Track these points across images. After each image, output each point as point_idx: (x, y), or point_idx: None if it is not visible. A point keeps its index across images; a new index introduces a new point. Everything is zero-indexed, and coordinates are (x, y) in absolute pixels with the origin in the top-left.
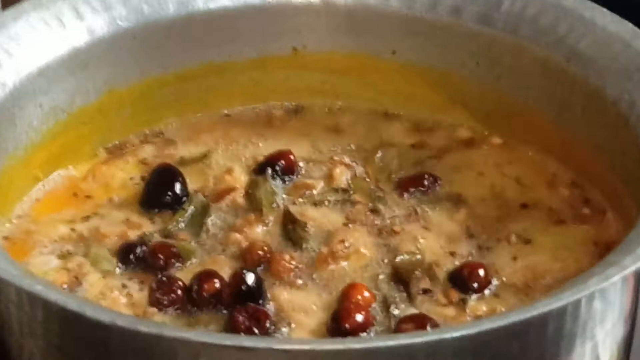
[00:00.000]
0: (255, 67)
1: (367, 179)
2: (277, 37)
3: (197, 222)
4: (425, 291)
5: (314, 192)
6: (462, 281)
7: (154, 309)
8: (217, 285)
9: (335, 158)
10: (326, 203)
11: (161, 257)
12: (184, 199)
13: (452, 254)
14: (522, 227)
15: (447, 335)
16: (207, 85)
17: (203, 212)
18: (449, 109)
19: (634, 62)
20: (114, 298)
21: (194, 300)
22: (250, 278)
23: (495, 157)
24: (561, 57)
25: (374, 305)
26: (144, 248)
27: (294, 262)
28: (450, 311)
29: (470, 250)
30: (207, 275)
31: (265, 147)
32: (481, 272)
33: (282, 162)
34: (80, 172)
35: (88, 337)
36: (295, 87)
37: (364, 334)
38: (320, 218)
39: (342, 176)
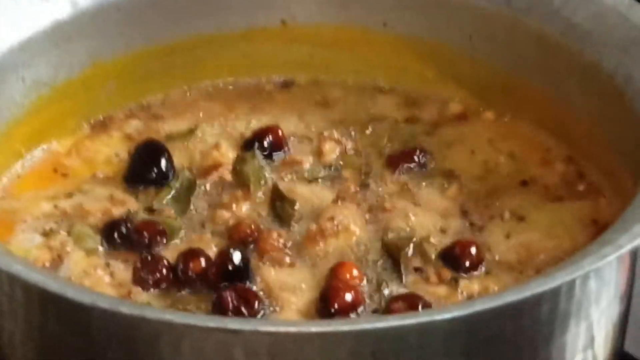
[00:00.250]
0: (243, 40)
1: (357, 155)
2: (266, 9)
3: (183, 199)
4: (417, 269)
5: (303, 168)
6: (454, 259)
7: (139, 289)
8: (203, 264)
9: (325, 133)
10: (315, 179)
11: (146, 234)
12: (170, 175)
13: (444, 231)
14: (516, 203)
15: (438, 317)
16: (194, 58)
17: (189, 188)
18: (441, 83)
19: (630, 35)
20: (97, 277)
21: (179, 279)
22: (236, 257)
23: (488, 132)
24: (556, 30)
25: (363, 284)
26: (129, 225)
27: (282, 240)
28: (442, 290)
29: (462, 228)
30: (192, 254)
31: (253, 122)
32: (473, 250)
33: (270, 137)
34: (63, 147)
35: (69, 318)
36: (284, 61)
37: (353, 314)
38: (309, 195)
39: (332, 152)
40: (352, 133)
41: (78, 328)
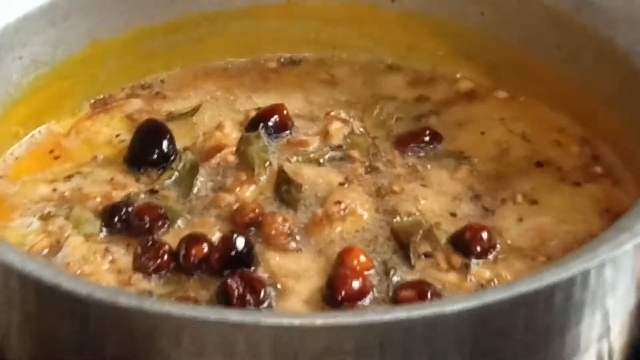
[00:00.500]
0: (247, 17)
1: (365, 136)
2: None
3: (186, 182)
4: (426, 255)
5: (309, 149)
6: (465, 245)
7: (139, 275)
8: (206, 249)
9: (332, 113)
10: (321, 161)
11: (147, 219)
12: (172, 157)
13: (454, 215)
14: (529, 186)
15: (448, 309)
16: (197, 36)
17: (192, 171)
18: (452, 61)
19: None
20: (97, 263)
21: (181, 265)
22: (240, 242)
23: (500, 111)
24: (570, 6)
25: (371, 270)
26: (129, 209)
27: (287, 225)
28: (452, 277)
29: (473, 211)
30: (194, 239)
31: (257, 102)
32: (484, 234)
33: (276, 117)
34: (62, 128)
35: (65, 309)
36: (290, 38)
37: (361, 302)
38: (315, 177)
39: (339, 132)
40: (360, 113)
41: (74, 319)
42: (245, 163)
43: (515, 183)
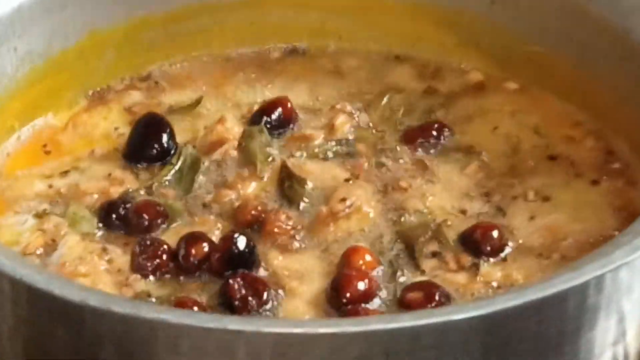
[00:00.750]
0: (250, 6)
1: (372, 129)
2: None
3: (186, 178)
4: (434, 255)
5: (313, 144)
6: (474, 244)
7: (137, 276)
8: (206, 249)
9: (337, 106)
10: (326, 156)
11: (146, 217)
12: (172, 151)
13: (464, 212)
14: (541, 182)
15: (456, 317)
16: (198, 26)
17: (193, 166)
18: (461, 51)
19: None
20: (93, 263)
21: (180, 265)
22: (241, 242)
23: (510, 104)
24: None
25: (377, 270)
26: (127, 207)
27: (290, 223)
28: (461, 278)
29: (483, 209)
30: (194, 239)
31: (260, 94)
32: (495, 233)
33: (279, 110)
34: (59, 121)
35: (59, 315)
36: (294, 28)
37: (367, 304)
38: (319, 173)
39: (344, 126)
40: (366, 106)
41: (68, 325)
42: (247, 158)
43: (527, 179)
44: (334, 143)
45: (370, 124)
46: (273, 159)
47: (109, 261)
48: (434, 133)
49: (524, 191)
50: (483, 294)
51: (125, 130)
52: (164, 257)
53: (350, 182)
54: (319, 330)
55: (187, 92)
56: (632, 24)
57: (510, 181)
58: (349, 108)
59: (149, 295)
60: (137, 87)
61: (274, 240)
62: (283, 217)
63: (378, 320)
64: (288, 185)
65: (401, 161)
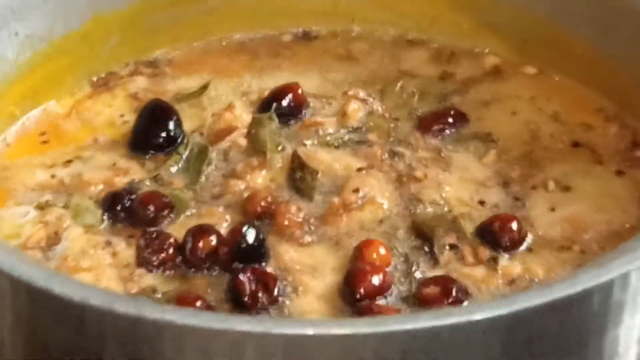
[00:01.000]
0: None
1: (385, 117)
2: None
3: (194, 168)
4: (451, 247)
5: (325, 132)
6: (493, 236)
7: (142, 270)
8: (214, 242)
9: (350, 92)
10: (338, 145)
11: (151, 208)
12: (179, 140)
13: (482, 203)
14: (561, 171)
15: (476, 317)
16: (206, 9)
17: (200, 155)
18: (477, 34)
19: None
20: (97, 257)
21: (187, 259)
22: (250, 235)
23: (529, 90)
24: None
25: (392, 264)
26: (132, 198)
27: (301, 215)
28: (479, 272)
29: (501, 199)
30: (202, 231)
31: (270, 80)
32: (514, 225)
33: (289, 97)
34: (62, 108)
35: (59, 313)
36: (304, 10)
37: (381, 300)
38: (331, 162)
39: (357, 113)
40: (380, 91)
41: (69, 325)
42: (256, 147)
43: (546, 168)
44: (346, 131)
45: (384, 111)
46: (283, 148)
47: (113, 255)
48: (450, 120)
49: (544, 181)
50: (502, 289)
51: (130, 117)
52: (171, 250)
53: (364, 171)
54: (331, 332)
55: (194, 78)
56: None
57: (529, 170)
58: (361, 94)
59: (155, 291)
60: (143, 72)
61: (285, 233)
62: (294, 208)
63: (394, 320)
64: (299, 175)
65: (416, 150)
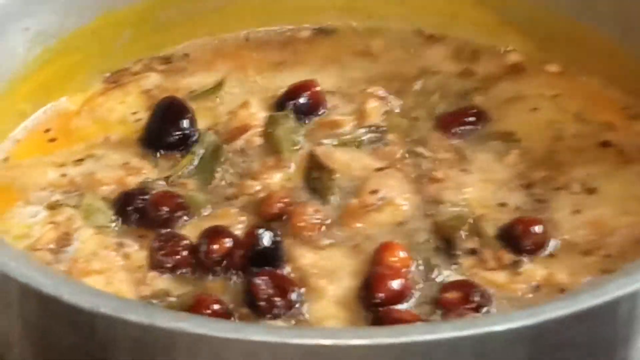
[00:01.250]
0: None
1: (404, 115)
2: None
3: (208, 167)
4: (472, 251)
5: (343, 131)
6: (515, 240)
7: (155, 273)
8: (228, 245)
9: (368, 90)
10: (357, 144)
11: (165, 209)
12: (193, 138)
13: (503, 205)
14: (586, 172)
15: (499, 328)
16: (221, 4)
17: (215, 154)
18: (499, 31)
19: None
20: (108, 259)
21: (201, 262)
22: (266, 238)
23: (551, 88)
24: None
25: (412, 268)
26: (145, 198)
27: (318, 217)
28: (501, 277)
29: (524, 202)
30: (216, 233)
31: (287, 77)
32: (537, 228)
33: (306, 94)
34: (73, 106)
35: (69, 320)
36: (322, 6)
37: (401, 305)
38: (349, 162)
39: (376, 111)
40: (399, 89)
41: (79, 332)
42: (272, 146)
43: (570, 169)
44: (364, 130)
45: (403, 110)
46: (300, 147)
47: (125, 257)
48: (471, 119)
49: (568, 182)
50: (524, 295)
51: (143, 115)
52: (184, 253)
53: (382, 172)
54: (350, 342)
55: (208, 75)
56: None
57: (553, 171)
58: (380, 92)
59: (168, 294)
60: (156, 69)
61: (301, 235)
62: (310, 210)
63: (415, 330)
64: (316, 175)
65: (436, 150)
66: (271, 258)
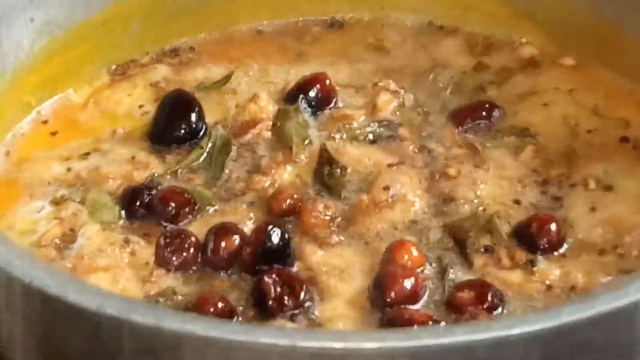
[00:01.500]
0: None
1: (417, 109)
2: None
3: (217, 162)
4: (486, 250)
5: (354, 125)
6: (530, 238)
7: (162, 271)
8: (237, 242)
9: (380, 83)
10: (368, 139)
11: (172, 205)
12: (201, 132)
13: (518, 202)
14: (602, 169)
15: (515, 331)
16: None
17: (224, 149)
18: (514, 23)
19: None
20: (114, 256)
21: (209, 260)
22: (275, 235)
23: (567, 82)
24: None
25: (424, 267)
26: (152, 193)
27: (329, 213)
28: (516, 276)
29: (539, 199)
30: (224, 230)
31: (297, 70)
32: (553, 226)
33: (317, 88)
34: (79, 98)
35: (75, 321)
36: None
37: (413, 306)
38: (360, 157)
39: (388, 105)
40: (411, 83)
41: (85, 333)
42: (282, 140)
43: (586, 165)
44: (376, 124)
45: (416, 103)
46: (310, 142)
47: (132, 253)
48: (484, 113)
49: (584, 179)
50: (540, 295)
51: (151, 108)
52: (192, 250)
53: (394, 168)
54: (361, 345)
55: (217, 67)
56: None
57: (569, 168)
58: (392, 86)
59: (175, 293)
60: (164, 61)
61: (312, 232)
62: (321, 206)
63: (428, 333)
64: (327, 171)
65: (449, 145)
66: (280, 256)
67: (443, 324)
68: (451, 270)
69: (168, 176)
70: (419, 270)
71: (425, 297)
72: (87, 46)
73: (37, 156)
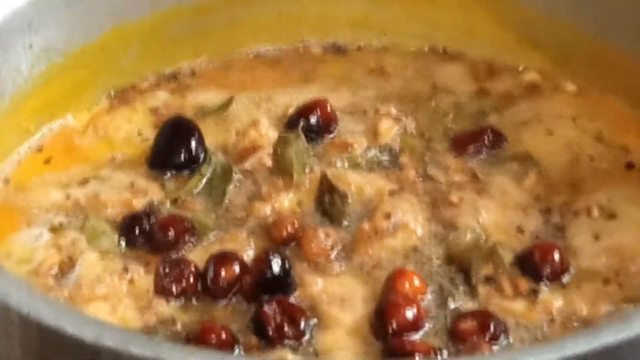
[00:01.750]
0: None
1: (419, 136)
2: None
3: (217, 189)
4: (489, 278)
5: (355, 152)
6: (533, 267)
7: (161, 300)
8: (237, 271)
9: (381, 109)
10: (369, 166)
11: (171, 232)
12: (201, 159)
13: (520, 230)
14: (606, 196)
15: None
16: (230, 20)
17: (224, 176)
18: (516, 48)
19: None
20: (113, 285)
21: (209, 288)
22: (276, 264)
23: (570, 108)
24: None
25: (426, 296)
26: (152, 221)
27: (329, 242)
28: (519, 305)
29: (542, 227)
30: (224, 259)
31: (298, 95)
32: (556, 255)
33: (317, 113)
34: (78, 123)
35: (72, 352)
36: (334, 21)
37: (414, 335)
38: (361, 184)
39: (389, 132)
40: (413, 109)
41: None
42: (282, 167)
43: (590, 192)
44: (377, 151)
45: (417, 130)
46: (311, 169)
47: (131, 282)
48: (486, 140)
49: (587, 206)
50: (543, 325)
51: (150, 134)
52: (191, 279)
53: (396, 195)
54: None
55: (217, 93)
56: None
57: (572, 195)
58: (394, 112)
59: (174, 322)
60: (163, 86)
61: (312, 260)
62: (322, 235)
63: None
64: (328, 199)
65: (451, 172)
66: (281, 285)
67: (445, 353)
68: (453, 299)
69: (167, 203)
70: (420, 299)
71: (426, 327)
72: (86, 71)
73: (35, 182)
